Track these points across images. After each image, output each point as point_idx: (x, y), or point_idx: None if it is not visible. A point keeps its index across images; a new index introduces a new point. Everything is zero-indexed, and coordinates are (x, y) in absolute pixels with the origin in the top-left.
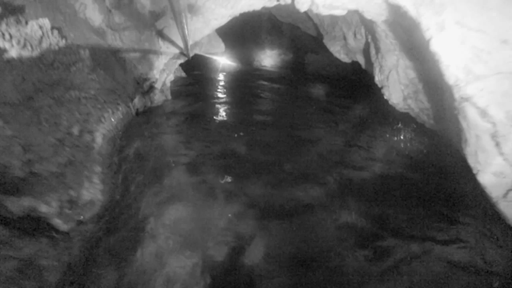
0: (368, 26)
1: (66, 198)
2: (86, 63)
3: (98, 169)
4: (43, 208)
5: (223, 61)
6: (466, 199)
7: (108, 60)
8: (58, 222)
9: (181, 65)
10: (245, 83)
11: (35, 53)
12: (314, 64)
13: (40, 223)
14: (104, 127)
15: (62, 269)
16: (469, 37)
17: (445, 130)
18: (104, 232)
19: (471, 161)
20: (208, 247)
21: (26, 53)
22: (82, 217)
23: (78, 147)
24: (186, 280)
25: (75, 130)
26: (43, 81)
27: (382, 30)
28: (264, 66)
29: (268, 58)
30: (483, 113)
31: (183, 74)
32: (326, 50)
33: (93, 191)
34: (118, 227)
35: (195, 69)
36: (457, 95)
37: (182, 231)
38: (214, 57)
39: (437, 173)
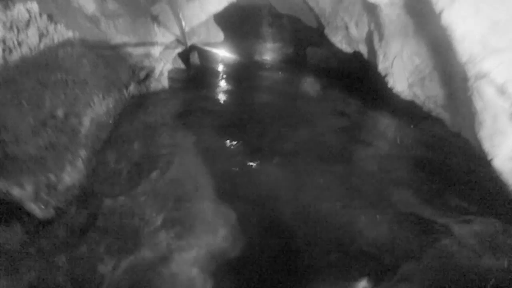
0: (371, 12)
1: (44, 182)
2: (76, 48)
3: (83, 153)
4: (15, 191)
5: (222, 54)
6: (477, 189)
7: (101, 47)
8: (33, 207)
9: (180, 57)
10: (244, 75)
11: (22, 36)
12: (315, 58)
13: (13, 208)
14: (93, 111)
15: (39, 258)
16: (484, 6)
17: (453, 118)
18: (87, 218)
19: (486, 146)
20: (209, 242)
21: (11, 36)
22: (61, 202)
23: (62, 130)
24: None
25: (60, 113)
26: (27, 63)
27: (386, 14)
28: (265, 59)
29: (269, 52)
30: (501, 91)
31: (182, 66)
32: (328, 44)
33: (76, 176)
34: (103, 214)
35: (194, 62)
36: (471, 73)
37: (173, 217)
38: (214, 50)
39: (445, 163)
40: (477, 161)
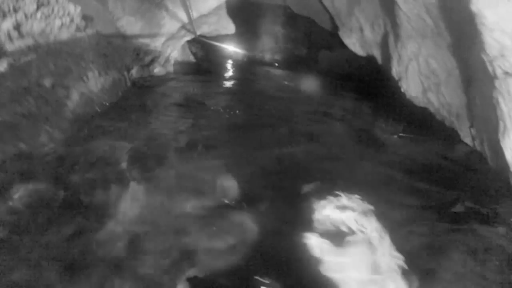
0: (388, 12)
1: (11, 151)
2: (75, 20)
3: (65, 126)
4: None
5: (232, 49)
6: (491, 202)
7: (105, 25)
8: None
9: (189, 47)
10: (253, 72)
11: (20, 3)
12: (327, 61)
13: None
14: (86, 86)
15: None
16: None
17: (467, 129)
18: (60, 194)
19: (509, 156)
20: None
21: (8, 2)
22: (30, 173)
23: (47, 100)
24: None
25: (47, 82)
26: (19, 30)
27: (404, 13)
28: (277, 59)
29: (281, 52)
30: None
31: (192, 58)
32: (341, 47)
33: (51, 147)
34: (79, 192)
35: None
36: (500, 70)
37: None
38: (223, 45)
39: (460, 176)
40: (490, 175)
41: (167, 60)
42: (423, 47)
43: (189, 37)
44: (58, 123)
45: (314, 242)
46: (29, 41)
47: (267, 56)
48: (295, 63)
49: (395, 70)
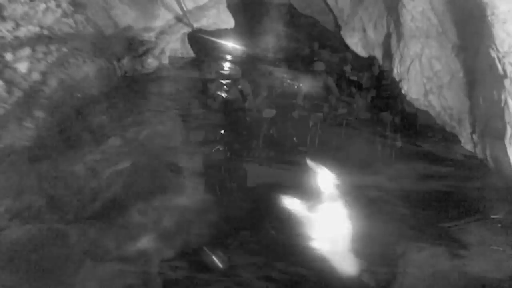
0: (392, 11)
1: None
2: (62, 5)
3: (39, 114)
4: None
5: (232, 45)
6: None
7: (98, 13)
8: None
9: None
10: (252, 70)
11: None
12: (329, 62)
13: None
14: (67, 73)
15: None
16: None
17: (469, 135)
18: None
19: None
20: None
21: None
22: None
23: (19, 85)
24: None
25: (22, 66)
26: (1, 13)
27: (408, 11)
28: (278, 57)
29: (283, 51)
30: None
31: (191, 53)
32: (343, 49)
33: (19, 136)
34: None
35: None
36: (510, 67)
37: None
38: (224, 42)
39: (460, 186)
40: (492, 184)
41: (162, 52)
42: (427, 47)
43: (186, 30)
44: (30, 110)
45: (288, 201)
46: (10, 25)
47: (269, 54)
48: (296, 62)
49: (397, 71)
